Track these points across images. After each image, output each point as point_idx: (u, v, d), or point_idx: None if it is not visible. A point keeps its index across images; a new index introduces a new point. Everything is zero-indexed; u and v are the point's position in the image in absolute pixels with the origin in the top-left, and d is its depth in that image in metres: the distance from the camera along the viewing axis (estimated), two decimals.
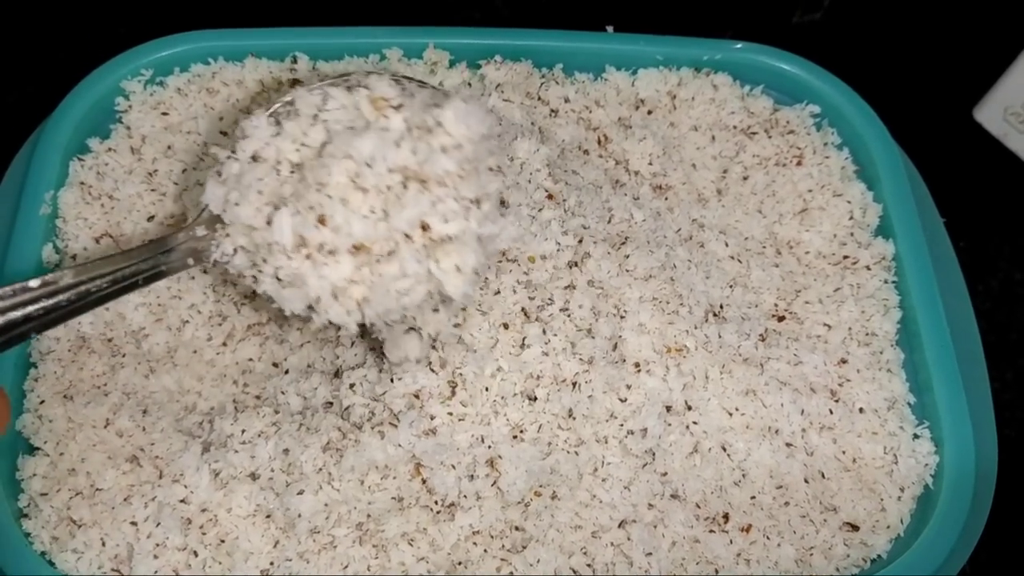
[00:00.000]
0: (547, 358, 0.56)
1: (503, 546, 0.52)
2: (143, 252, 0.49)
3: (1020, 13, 0.81)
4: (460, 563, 0.52)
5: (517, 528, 0.53)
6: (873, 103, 0.69)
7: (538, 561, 0.51)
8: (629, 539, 0.53)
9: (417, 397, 0.54)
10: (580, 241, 0.58)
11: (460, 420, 0.54)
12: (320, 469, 0.52)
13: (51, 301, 0.45)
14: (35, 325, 0.44)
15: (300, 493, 0.52)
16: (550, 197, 0.59)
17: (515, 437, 0.54)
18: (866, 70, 0.73)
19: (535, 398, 0.55)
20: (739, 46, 0.69)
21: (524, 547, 0.52)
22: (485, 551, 0.52)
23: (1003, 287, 0.75)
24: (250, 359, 0.59)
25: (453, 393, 0.54)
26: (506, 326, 0.55)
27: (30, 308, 0.44)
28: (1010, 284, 0.76)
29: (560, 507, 0.53)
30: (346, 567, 0.51)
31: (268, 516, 0.52)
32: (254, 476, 0.53)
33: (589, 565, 0.52)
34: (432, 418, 0.53)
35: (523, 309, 0.56)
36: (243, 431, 0.54)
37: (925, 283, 0.60)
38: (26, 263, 0.58)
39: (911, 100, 0.81)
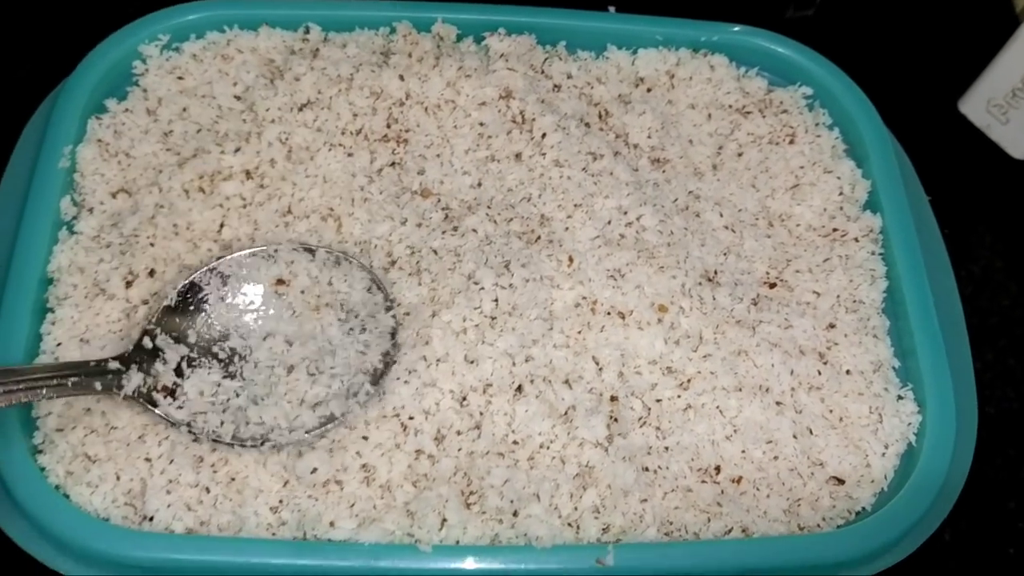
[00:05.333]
0: (544, 322, 0.59)
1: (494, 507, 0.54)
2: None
3: (1002, 10, 0.84)
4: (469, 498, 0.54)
5: (507, 466, 0.55)
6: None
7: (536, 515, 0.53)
8: (625, 486, 0.54)
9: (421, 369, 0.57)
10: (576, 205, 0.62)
11: (471, 363, 0.57)
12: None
13: None
14: None
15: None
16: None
17: (518, 390, 0.57)
18: (856, 64, 0.75)
19: (531, 359, 0.58)
20: (736, 28, 0.72)
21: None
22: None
23: (984, 273, 0.78)
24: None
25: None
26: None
27: None
28: (991, 271, 0.78)
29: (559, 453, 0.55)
30: (352, 505, 0.53)
31: (278, 454, 0.54)
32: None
33: (576, 507, 0.54)
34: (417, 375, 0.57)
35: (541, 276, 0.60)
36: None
37: (911, 255, 0.63)
38: (45, 215, 0.60)
39: (899, 93, 0.84)
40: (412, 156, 0.65)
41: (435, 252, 0.61)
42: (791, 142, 0.69)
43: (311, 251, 0.59)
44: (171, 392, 0.54)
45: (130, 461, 0.53)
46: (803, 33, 0.75)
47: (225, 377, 0.55)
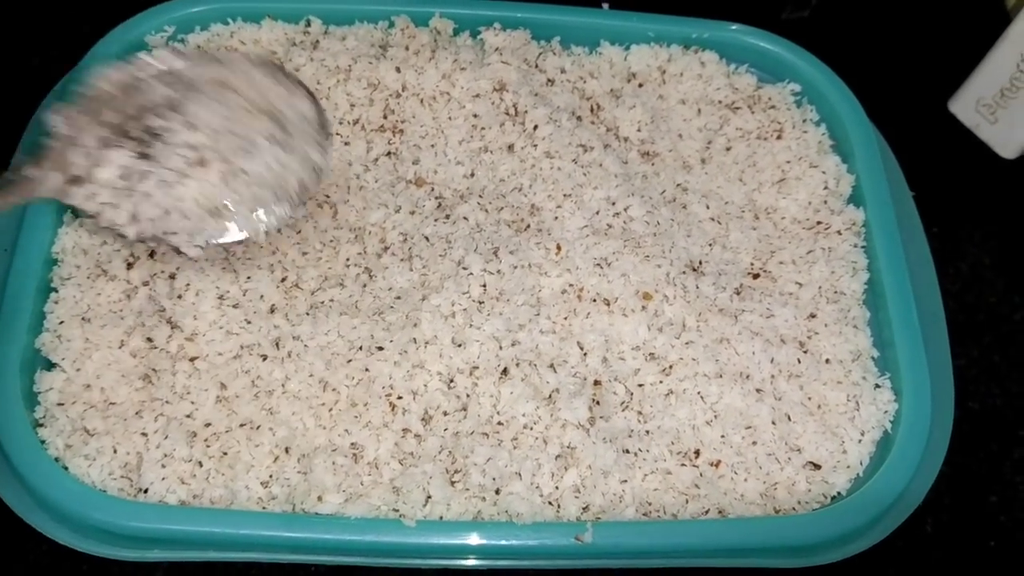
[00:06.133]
0: (531, 307, 0.61)
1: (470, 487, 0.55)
2: None
3: (993, 11, 0.85)
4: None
5: (491, 445, 0.56)
6: (856, 94, 0.73)
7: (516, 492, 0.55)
8: (605, 467, 0.56)
9: (416, 342, 0.58)
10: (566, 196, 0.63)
11: (459, 346, 0.59)
12: (307, 397, 0.57)
13: None
14: None
15: (294, 413, 0.56)
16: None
17: (504, 372, 0.58)
18: (850, 64, 0.76)
19: (517, 343, 0.59)
20: (734, 27, 0.74)
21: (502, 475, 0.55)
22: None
23: (972, 271, 0.79)
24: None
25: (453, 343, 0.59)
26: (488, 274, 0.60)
27: None
28: (979, 268, 0.79)
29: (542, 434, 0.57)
30: (340, 484, 0.54)
31: (272, 430, 0.56)
32: (256, 396, 0.57)
33: (557, 486, 0.55)
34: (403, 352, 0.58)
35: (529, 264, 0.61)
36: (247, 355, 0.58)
37: (892, 248, 0.65)
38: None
39: (891, 93, 0.85)
40: (407, 146, 0.67)
41: (427, 239, 0.63)
42: (778, 137, 0.71)
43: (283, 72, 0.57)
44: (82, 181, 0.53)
45: (127, 436, 0.55)
46: (798, 34, 0.77)
47: (138, 158, 0.53)
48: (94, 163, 0.53)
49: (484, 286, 0.60)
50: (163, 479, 0.54)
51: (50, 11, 0.83)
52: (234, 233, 0.55)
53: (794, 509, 0.57)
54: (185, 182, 0.53)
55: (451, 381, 0.58)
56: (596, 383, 0.59)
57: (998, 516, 0.67)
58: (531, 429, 0.57)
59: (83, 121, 0.54)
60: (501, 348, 0.59)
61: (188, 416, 0.56)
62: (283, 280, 0.61)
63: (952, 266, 0.78)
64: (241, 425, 0.56)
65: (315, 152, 0.56)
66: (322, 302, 0.60)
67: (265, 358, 0.58)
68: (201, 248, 0.54)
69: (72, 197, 0.53)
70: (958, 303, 0.77)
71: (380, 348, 0.58)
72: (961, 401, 0.70)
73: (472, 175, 0.67)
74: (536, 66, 0.71)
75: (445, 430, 0.57)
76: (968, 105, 0.81)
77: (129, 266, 0.60)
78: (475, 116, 0.68)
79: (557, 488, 0.55)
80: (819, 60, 0.73)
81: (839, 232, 0.67)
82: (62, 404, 0.56)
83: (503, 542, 0.53)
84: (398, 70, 0.68)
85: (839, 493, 0.58)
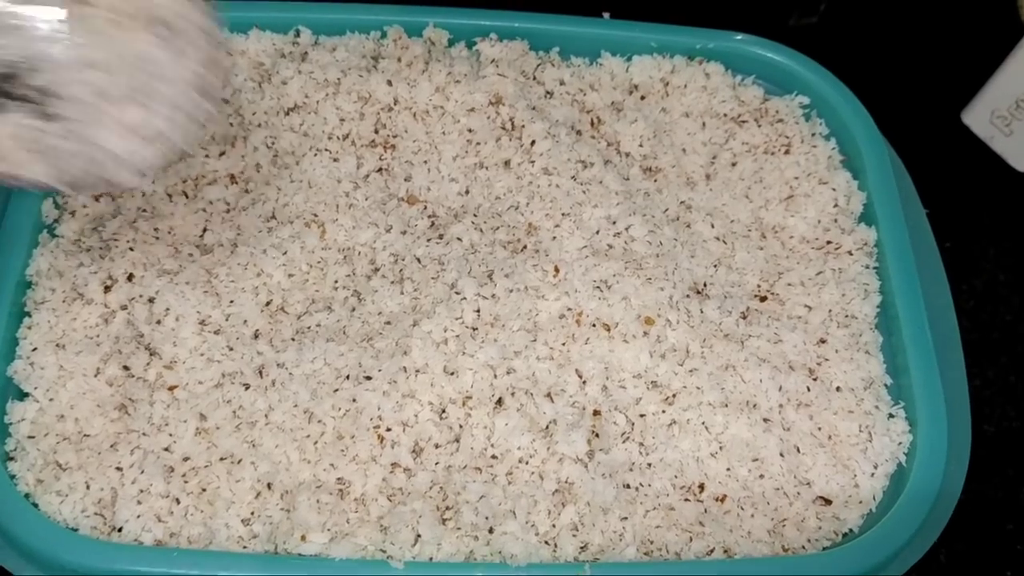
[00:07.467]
0: (527, 333, 0.58)
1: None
2: None
3: (1007, 20, 0.83)
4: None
5: (484, 481, 0.54)
6: (866, 105, 0.71)
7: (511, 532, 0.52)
8: (605, 504, 0.53)
9: (406, 370, 0.56)
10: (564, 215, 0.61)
11: (451, 374, 0.56)
12: (291, 429, 0.54)
13: None
14: None
15: (277, 446, 0.54)
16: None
17: (499, 403, 0.56)
18: (859, 73, 0.74)
19: (513, 371, 0.57)
20: (739, 37, 0.71)
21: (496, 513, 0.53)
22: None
23: (987, 287, 0.76)
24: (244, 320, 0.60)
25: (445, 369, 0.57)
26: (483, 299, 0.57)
27: None
28: (994, 284, 0.77)
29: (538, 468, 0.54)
30: (325, 522, 0.52)
31: (254, 464, 0.53)
32: (238, 428, 0.54)
33: (554, 524, 0.53)
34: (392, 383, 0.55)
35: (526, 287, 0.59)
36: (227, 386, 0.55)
37: (905, 269, 0.62)
38: (26, 218, 0.60)
39: (902, 103, 0.83)
40: (399, 162, 0.65)
41: (419, 260, 0.60)
42: (786, 152, 0.68)
43: None
44: None
45: (101, 470, 0.52)
46: (806, 41, 0.74)
47: (40, 119, 0.45)
48: None
49: (478, 311, 0.58)
50: (138, 516, 0.51)
51: None
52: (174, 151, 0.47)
53: (803, 548, 0.54)
54: (100, 122, 0.45)
55: (443, 412, 0.55)
56: (595, 413, 0.56)
57: (1015, 545, 0.65)
58: (527, 463, 0.54)
59: None
60: (496, 377, 0.56)
61: (166, 449, 0.54)
62: (268, 304, 0.59)
63: (966, 283, 0.76)
64: (221, 459, 0.53)
65: (205, 39, 0.48)
66: (308, 327, 0.58)
67: (248, 387, 0.55)
68: (144, 175, 0.47)
69: None
70: (972, 321, 0.74)
71: (368, 377, 0.55)
72: (976, 424, 0.68)
73: (467, 192, 0.64)
74: (534, 78, 0.69)
75: (436, 464, 0.54)
76: (982, 117, 0.78)
77: (107, 289, 0.58)
78: (470, 131, 0.66)
79: (554, 526, 0.53)
80: (828, 72, 0.70)
81: (850, 252, 0.64)
82: (33, 437, 0.53)
83: None
84: (390, 83, 0.65)
85: (851, 530, 0.56)
